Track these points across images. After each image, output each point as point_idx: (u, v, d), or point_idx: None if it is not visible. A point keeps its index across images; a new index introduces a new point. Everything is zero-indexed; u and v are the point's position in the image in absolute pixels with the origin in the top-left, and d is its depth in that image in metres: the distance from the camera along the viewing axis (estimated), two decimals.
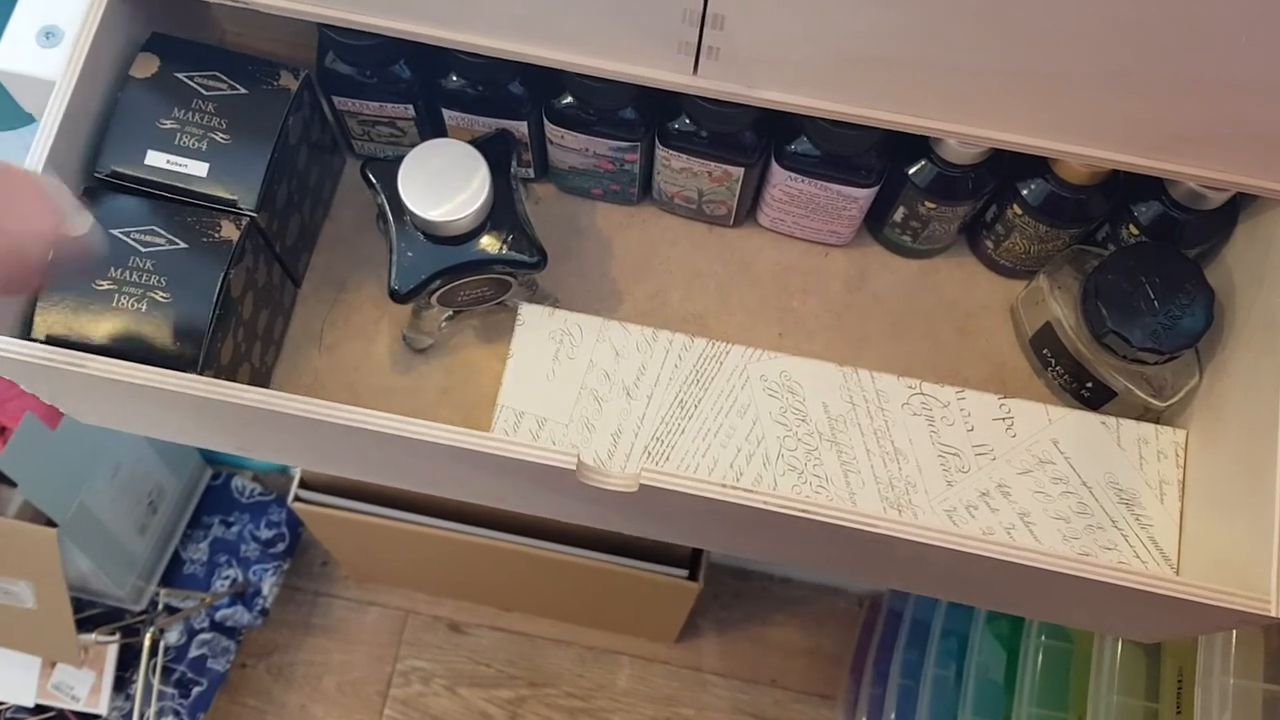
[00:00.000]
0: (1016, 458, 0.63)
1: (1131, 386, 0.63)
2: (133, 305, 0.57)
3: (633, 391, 0.63)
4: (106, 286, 0.57)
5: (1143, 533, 0.62)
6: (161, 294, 0.57)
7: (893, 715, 1.16)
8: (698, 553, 1.13)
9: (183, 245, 0.58)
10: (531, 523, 1.09)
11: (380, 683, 1.40)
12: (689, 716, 1.40)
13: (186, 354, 0.57)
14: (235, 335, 0.60)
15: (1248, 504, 0.56)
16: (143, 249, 0.58)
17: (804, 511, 0.54)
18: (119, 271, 0.57)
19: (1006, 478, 0.62)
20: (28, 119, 0.76)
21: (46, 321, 0.57)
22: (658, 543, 1.10)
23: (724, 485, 0.54)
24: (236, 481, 1.36)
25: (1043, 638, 0.89)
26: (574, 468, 0.54)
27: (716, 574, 1.44)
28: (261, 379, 0.66)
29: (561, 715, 1.39)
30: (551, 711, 1.39)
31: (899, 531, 0.53)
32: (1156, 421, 0.64)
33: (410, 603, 1.43)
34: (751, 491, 0.54)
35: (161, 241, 0.58)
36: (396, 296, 0.60)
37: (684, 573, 1.11)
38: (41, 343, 0.56)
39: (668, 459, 0.62)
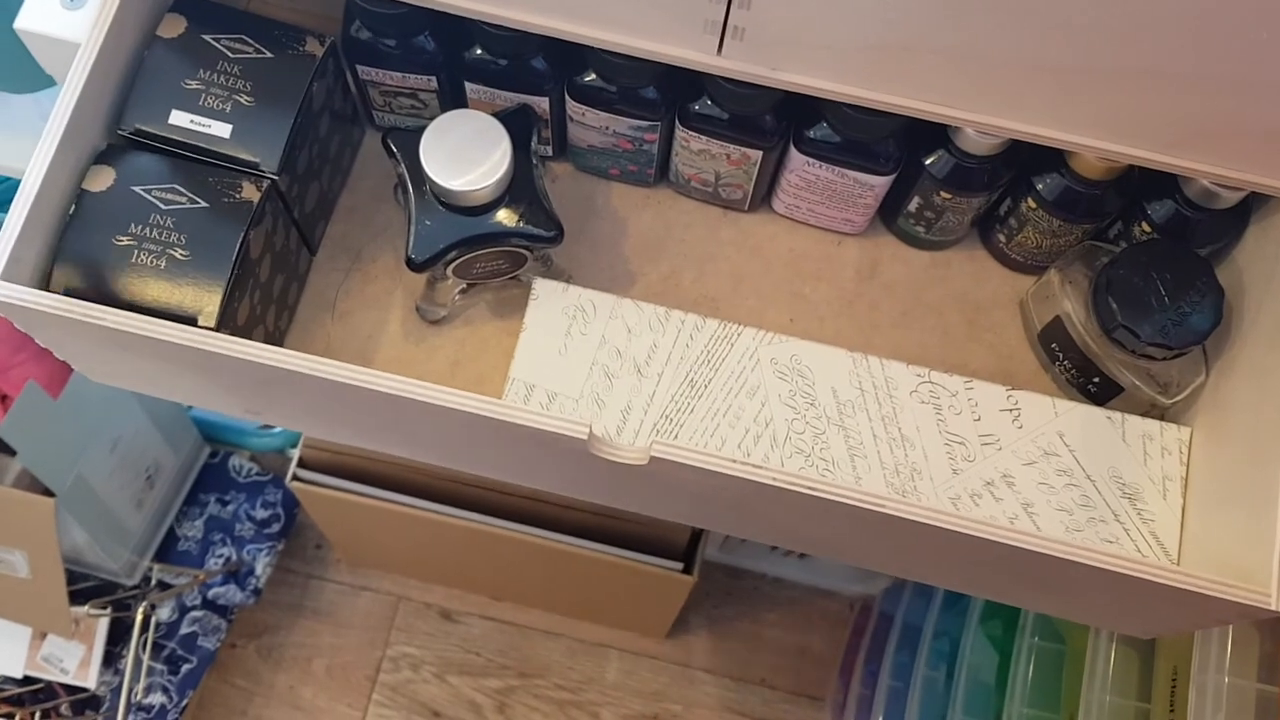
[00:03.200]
0: (1022, 449, 0.63)
1: (1138, 382, 0.63)
2: (151, 262, 0.57)
3: (644, 369, 0.64)
4: (126, 242, 0.57)
5: (1144, 527, 0.62)
6: (181, 251, 0.57)
7: (880, 717, 1.16)
8: (693, 547, 1.13)
9: (203, 204, 0.58)
10: (528, 510, 1.09)
11: (370, 668, 1.40)
12: (677, 712, 1.40)
13: (203, 312, 0.57)
14: (252, 297, 0.61)
15: (1250, 502, 0.57)
16: (163, 206, 0.58)
17: (812, 489, 0.54)
18: (139, 228, 0.58)
19: (1011, 468, 0.63)
20: (48, 82, 0.76)
21: (65, 275, 0.57)
22: (653, 536, 1.10)
23: (733, 460, 0.54)
24: (234, 461, 1.36)
25: (1035, 638, 0.90)
26: (585, 438, 0.54)
27: (709, 571, 1.44)
28: (275, 342, 0.66)
29: (550, 706, 1.39)
30: (540, 702, 1.39)
31: (903, 511, 0.54)
32: (1162, 418, 0.64)
33: (402, 589, 1.43)
34: (760, 467, 0.54)
35: (183, 200, 0.58)
36: (413, 265, 0.61)
37: (679, 566, 1.11)
38: None
39: (676, 437, 0.63)
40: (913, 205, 0.67)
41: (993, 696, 0.97)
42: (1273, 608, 0.53)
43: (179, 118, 0.60)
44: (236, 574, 1.32)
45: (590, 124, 0.66)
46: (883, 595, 1.32)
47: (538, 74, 0.63)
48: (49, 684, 1.23)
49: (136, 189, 0.58)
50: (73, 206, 0.58)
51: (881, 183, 0.64)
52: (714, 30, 0.55)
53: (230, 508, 1.34)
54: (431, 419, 0.58)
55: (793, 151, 0.64)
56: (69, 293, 0.57)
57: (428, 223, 0.61)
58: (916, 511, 0.54)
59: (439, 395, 0.54)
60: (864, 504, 0.54)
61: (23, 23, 0.63)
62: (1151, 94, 0.53)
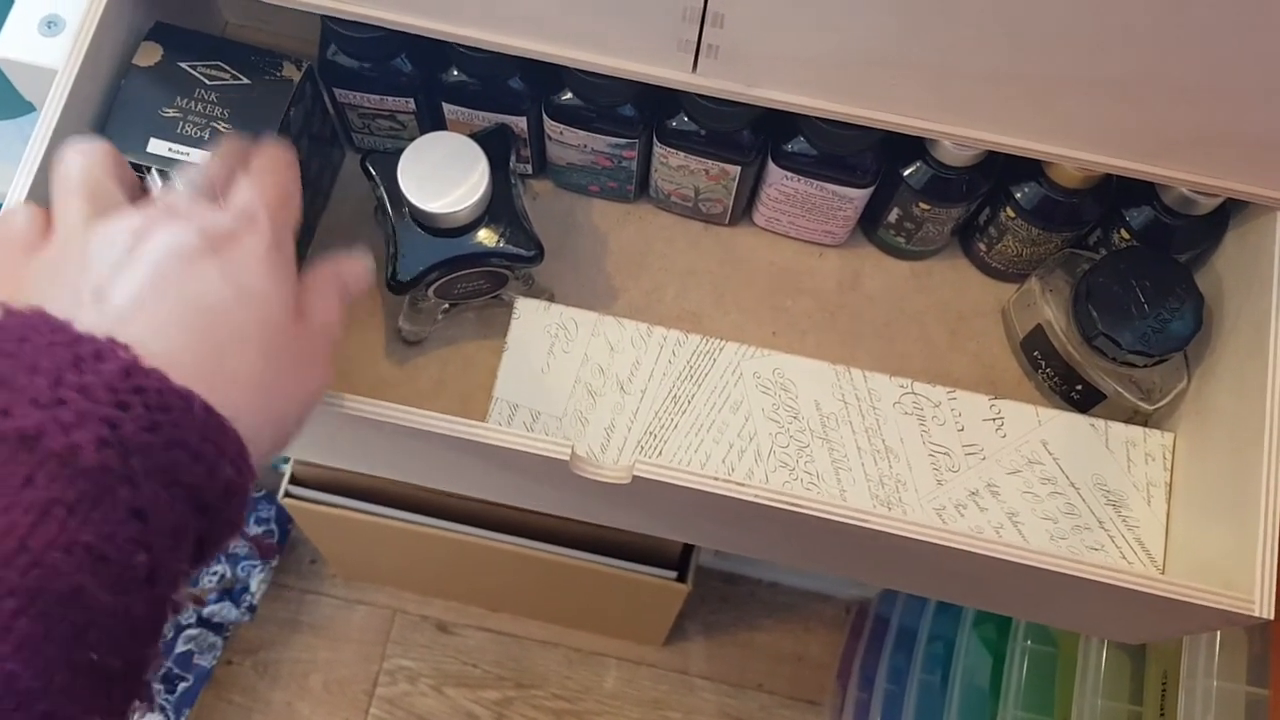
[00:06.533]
0: (1006, 458, 0.63)
1: (1120, 389, 0.63)
2: None
3: (626, 386, 0.64)
4: None
5: (1129, 534, 0.62)
6: None
7: None
8: (686, 555, 1.13)
9: None
10: (522, 522, 1.09)
11: (367, 681, 1.40)
12: None
13: None
14: None
15: (1234, 507, 0.57)
16: None
17: (795, 505, 0.54)
18: None
19: (996, 477, 0.63)
20: (28, 108, 0.77)
21: None
22: (647, 545, 1.10)
23: (716, 478, 0.54)
24: None
25: (1028, 642, 0.90)
26: (567, 458, 0.54)
27: (705, 578, 1.44)
28: None
29: (548, 717, 1.39)
30: (538, 713, 1.40)
31: (888, 526, 0.54)
32: (1145, 424, 0.65)
33: (398, 602, 1.43)
34: (744, 485, 0.54)
35: None
36: (394, 287, 0.61)
37: (673, 574, 1.12)
38: None
39: (660, 454, 0.63)
40: (892, 216, 0.67)
41: (987, 700, 0.97)
42: (1256, 614, 0.53)
43: (157, 146, 0.60)
44: (231, 591, 1.32)
45: (569, 142, 0.66)
46: (878, 599, 1.32)
47: (515, 94, 0.64)
48: None
49: None
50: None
51: (860, 195, 0.65)
52: (688, 49, 0.55)
53: None
54: (416, 442, 0.58)
55: (771, 166, 0.64)
56: None
57: (408, 244, 0.61)
58: (900, 526, 0.54)
59: (422, 420, 0.54)
60: (847, 519, 0.54)
61: (0, 50, 0.63)
62: (1125, 104, 0.53)
